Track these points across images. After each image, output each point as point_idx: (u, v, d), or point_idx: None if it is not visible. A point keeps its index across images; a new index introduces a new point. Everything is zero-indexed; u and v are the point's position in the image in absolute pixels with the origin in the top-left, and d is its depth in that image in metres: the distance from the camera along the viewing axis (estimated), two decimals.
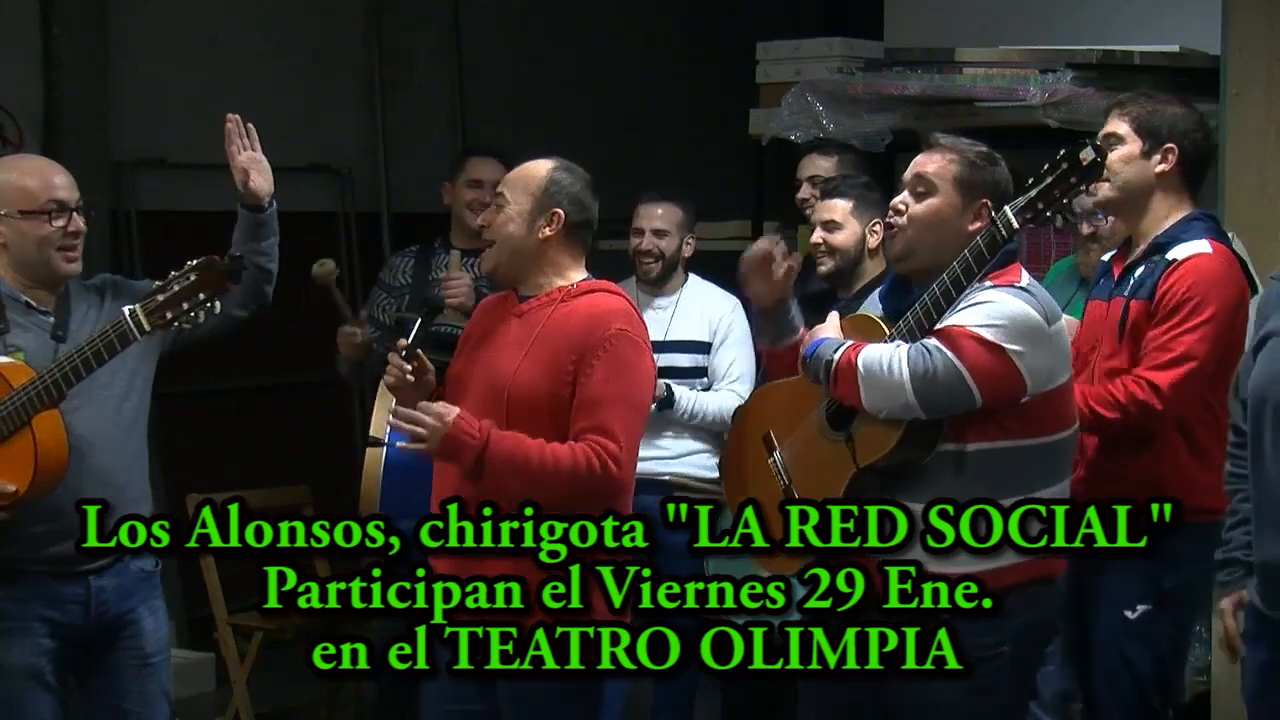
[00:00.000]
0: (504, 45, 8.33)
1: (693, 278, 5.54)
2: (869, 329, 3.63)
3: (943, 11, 6.31)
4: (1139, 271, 3.99)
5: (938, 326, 3.51)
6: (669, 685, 5.42)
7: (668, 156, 8.26)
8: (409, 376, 3.82)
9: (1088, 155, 3.49)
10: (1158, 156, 3.98)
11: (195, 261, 3.72)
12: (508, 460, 3.63)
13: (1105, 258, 4.24)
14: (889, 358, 3.47)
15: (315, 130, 7.59)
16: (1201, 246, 3.93)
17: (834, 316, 3.74)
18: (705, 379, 5.40)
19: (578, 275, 3.85)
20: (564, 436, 3.68)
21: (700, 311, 5.45)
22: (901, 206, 3.64)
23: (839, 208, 4.80)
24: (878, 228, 4.67)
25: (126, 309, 3.74)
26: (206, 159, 7.22)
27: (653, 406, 5.09)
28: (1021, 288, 3.56)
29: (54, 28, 6.71)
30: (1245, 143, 5.05)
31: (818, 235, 4.80)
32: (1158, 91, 4.21)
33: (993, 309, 3.48)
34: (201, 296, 3.70)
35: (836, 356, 3.56)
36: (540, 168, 3.86)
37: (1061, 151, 3.52)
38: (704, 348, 5.40)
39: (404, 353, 3.82)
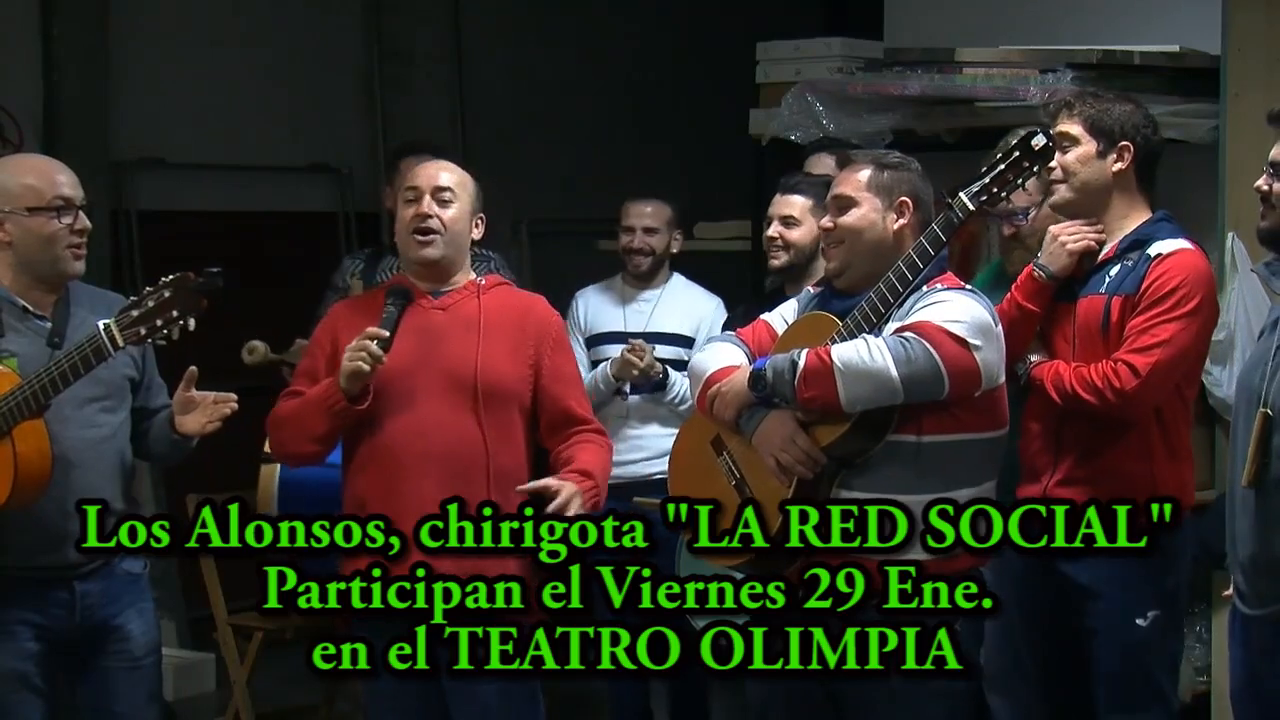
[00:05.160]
0: (504, 45, 8.33)
1: (677, 275, 5.71)
2: (825, 326, 3.71)
3: (943, 11, 6.31)
4: (1115, 270, 3.95)
5: (905, 321, 3.61)
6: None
7: (668, 156, 8.24)
8: (378, 365, 3.87)
9: (1039, 141, 3.71)
10: (1114, 155, 3.97)
11: (169, 278, 3.71)
12: (605, 473, 4.03)
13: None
14: (867, 349, 3.57)
15: (315, 130, 7.60)
16: (1183, 244, 3.93)
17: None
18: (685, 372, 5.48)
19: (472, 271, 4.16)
20: (524, 413, 4.01)
21: (683, 307, 5.60)
22: (830, 225, 3.78)
23: (798, 204, 4.80)
24: None
25: (101, 323, 3.72)
26: (206, 159, 7.25)
27: (647, 390, 5.40)
28: (970, 289, 3.74)
29: (54, 28, 6.72)
30: (1245, 143, 5.05)
31: (774, 230, 4.80)
32: (1103, 90, 4.21)
33: (952, 307, 3.63)
34: (175, 314, 3.68)
35: (801, 360, 3.60)
36: (459, 169, 4.10)
37: (1013, 137, 3.70)
38: (685, 341, 5.52)
39: (383, 343, 3.86)
